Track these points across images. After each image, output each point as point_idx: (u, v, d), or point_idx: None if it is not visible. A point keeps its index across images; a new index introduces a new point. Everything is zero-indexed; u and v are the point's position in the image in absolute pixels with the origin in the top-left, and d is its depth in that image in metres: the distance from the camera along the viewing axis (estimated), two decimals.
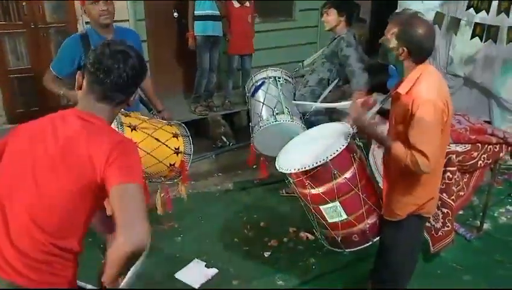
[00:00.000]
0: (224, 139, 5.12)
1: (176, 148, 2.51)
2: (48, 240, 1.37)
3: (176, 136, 2.55)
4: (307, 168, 2.12)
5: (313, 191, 2.20)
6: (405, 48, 1.93)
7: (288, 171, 2.21)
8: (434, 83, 1.96)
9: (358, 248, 2.32)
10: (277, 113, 3.13)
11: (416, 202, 2.11)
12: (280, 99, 3.20)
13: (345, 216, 2.22)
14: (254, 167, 4.52)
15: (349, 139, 2.15)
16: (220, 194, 4.18)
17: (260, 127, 3.14)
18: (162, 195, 2.77)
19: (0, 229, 1.38)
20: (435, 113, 1.88)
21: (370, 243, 2.30)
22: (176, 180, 2.69)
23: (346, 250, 2.36)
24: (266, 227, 3.57)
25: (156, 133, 2.44)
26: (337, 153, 2.08)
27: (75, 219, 1.42)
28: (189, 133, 2.66)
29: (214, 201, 4.03)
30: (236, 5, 5.14)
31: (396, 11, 2.04)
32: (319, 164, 2.09)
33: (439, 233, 2.97)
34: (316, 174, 2.14)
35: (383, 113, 2.52)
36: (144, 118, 2.53)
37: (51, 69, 2.61)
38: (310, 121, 3.24)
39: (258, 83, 3.38)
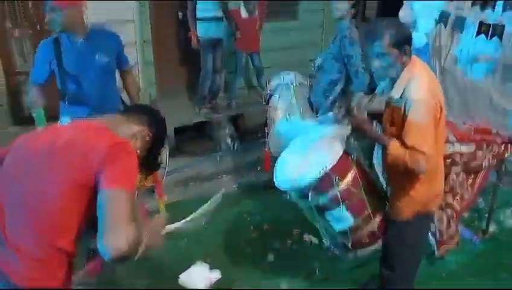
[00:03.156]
0: (229, 141, 5.12)
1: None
2: (41, 239, 1.38)
3: None
4: (307, 183, 2.09)
5: (316, 201, 2.17)
6: (399, 50, 1.94)
7: (288, 189, 2.18)
8: (424, 81, 1.97)
9: (369, 248, 2.31)
10: (289, 115, 3.16)
11: (423, 200, 2.13)
12: (293, 101, 3.25)
13: (352, 220, 2.19)
14: (259, 168, 4.54)
15: (344, 143, 2.13)
16: (224, 196, 4.16)
17: (273, 130, 3.18)
18: (162, 198, 2.72)
19: None
20: (427, 112, 1.90)
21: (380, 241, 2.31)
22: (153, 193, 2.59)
23: (358, 253, 2.35)
24: (270, 230, 3.56)
25: None
26: (336, 160, 2.06)
27: (69, 220, 1.42)
28: (166, 144, 2.57)
29: (218, 203, 4.01)
30: (244, 14, 5.19)
31: (370, 25, 2.04)
32: (318, 175, 2.05)
33: (444, 236, 2.95)
34: (317, 184, 2.10)
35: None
36: None
37: (29, 79, 2.63)
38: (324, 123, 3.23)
39: (272, 89, 3.45)
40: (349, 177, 2.14)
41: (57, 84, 2.61)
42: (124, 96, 2.97)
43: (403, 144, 1.94)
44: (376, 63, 1.97)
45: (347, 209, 2.16)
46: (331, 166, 2.05)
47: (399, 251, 2.24)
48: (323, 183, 2.09)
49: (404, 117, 1.93)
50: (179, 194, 4.15)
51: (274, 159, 3.39)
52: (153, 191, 2.50)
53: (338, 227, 2.23)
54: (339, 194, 2.12)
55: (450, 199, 2.96)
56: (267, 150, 3.33)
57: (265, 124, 3.50)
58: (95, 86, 2.62)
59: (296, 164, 2.27)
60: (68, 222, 1.42)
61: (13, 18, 4.50)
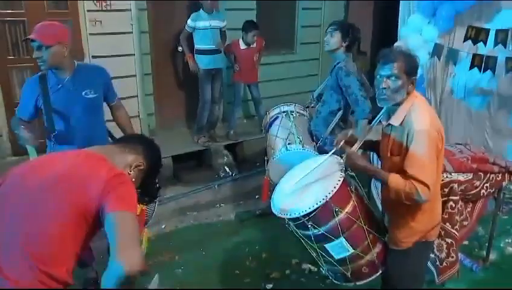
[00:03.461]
0: (227, 170, 5.13)
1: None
2: (38, 267, 1.37)
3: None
4: (308, 211, 2.04)
5: (316, 232, 2.13)
6: (407, 78, 2.01)
7: (288, 216, 2.12)
8: (425, 111, 2.02)
9: (370, 279, 2.27)
10: (289, 143, 3.19)
11: (422, 229, 2.15)
12: (292, 130, 3.28)
13: (351, 250, 2.17)
14: (257, 197, 4.53)
15: (343, 173, 2.13)
16: (222, 225, 4.15)
17: (273, 158, 3.19)
18: (145, 232, 2.64)
19: None
20: (429, 142, 1.93)
21: (380, 272, 2.27)
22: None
23: (357, 283, 2.30)
24: (268, 259, 3.52)
25: None
26: (335, 189, 2.04)
27: (67, 248, 1.43)
28: (157, 180, 2.54)
29: (216, 232, 3.99)
30: (243, 46, 5.30)
31: (386, 49, 2.12)
32: (319, 204, 2.03)
33: (444, 264, 2.91)
34: (317, 214, 2.07)
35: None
36: None
37: (16, 112, 2.63)
38: (323, 149, 3.25)
39: (272, 119, 3.51)
40: (349, 206, 2.13)
41: (43, 121, 2.58)
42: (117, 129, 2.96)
43: (403, 172, 1.95)
44: (385, 83, 2.00)
45: (346, 240, 2.14)
46: (331, 196, 2.03)
47: (400, 279, 2.23)
48: (323, 213, 2.07)
49: (405, 146, 1.97)
50: (177, 222, 4.12)
51: (273, 187, 3.41)
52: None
53: (337, 256, 2.21)
54: (338, 224, 2.10)
55: (449, 227, 2.94)
56: (266, 177, 3.34)
57: (265, 153, 3.52)
58: (82, 123, 2.60)
59: (295, 192, 2.26)
60: (65, 250, 1.42)
61: (15, 50, 4.57)
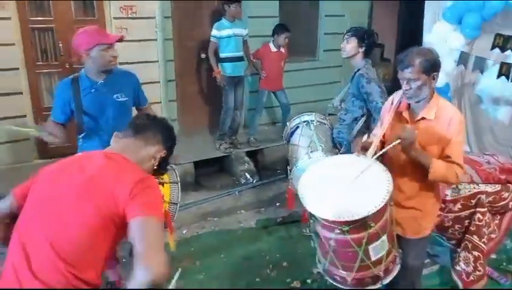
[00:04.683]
0: (248, 176, 5.13)
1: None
2: (68, 270, 1.39)
3: (161, 183, 2.37)
4: (375, 209, 1.94)
5: (372, 231, 2.04)
6: (429, 76, 2.14)
7: (353, 218, 1.95)
8: (450, 104, 2.34)
9: (395, 273, 2.24)
10: (311, 151, 3.18)
11: (437, 213, 2.47)
12: (314, 138, 3.27)
13: (387, 247, 2.14)
14: (278, 204, 4.51)
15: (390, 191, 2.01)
16: (243, 231, 4.15)
17: (296, 167, 3.17)
18: (172, 233, 2.68)
19: (22, 265, 1.40)
20: (463, 129, 2.27)
21: (399, 266, 2.27)
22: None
23: (386, 281, 2.22)
24: (289, 267, 3.49)
25: None
26: (391, 186, 2.01)
27: (96, 252, 1.44)
28: (179, 180, 2.51)
29: (236, 239, 3.99)
30: (273, 49, 5.39)
31: (402, 54, 2.19)
32: (381, 204, 1.94)
33: (471, 277, 2.84)
34: (376, 213, 1.98)
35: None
36: None
37: (51, 116, 2.69)
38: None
39: (293, 129, 3.50)
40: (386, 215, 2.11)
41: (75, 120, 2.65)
42: None
43: (443, 158, 2.17)
44: (407, 86, 2.16)
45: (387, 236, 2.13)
46: (379, 207, 1.95)
47: (419, 267, 2.48)
48: (381, 210, 1.99)
49: (443, 136, 2.16)
50: (197, 228, 4.14)
51: (297, 196, 3.38)
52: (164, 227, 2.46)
53: (375, 257, 2.13)
54: (386, 220, 2.09)
55: (476, 240, 2.87)
56: (290, 187, 3.32)
57: (287, 163, 3.50)
58: (112, 125, 2.61)
59: (329, 192, 2.13)
60: (94, 254, 1.44)
61: (43, 56, 4.70)
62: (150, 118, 1.78)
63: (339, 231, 2.03)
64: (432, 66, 2.13)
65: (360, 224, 1.99)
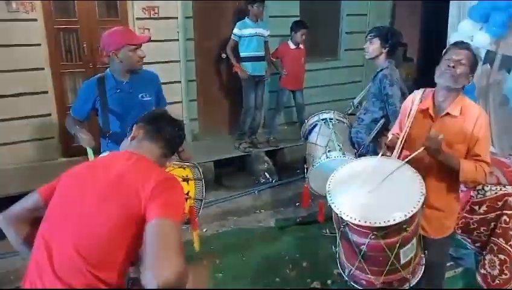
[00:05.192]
0: (267, 176, 5.13)
1: (184, 194, 2.30)
2: (90, 270, 1.38)
3: (186, 180, 2.42)
4: (392, 223, 1.86)
5: (406, 234, 1.97)
6: (471, 72, 2.17)
7: (394, 222, 1.88)
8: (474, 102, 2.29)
9: (420, 275, 2.18)
10: (329, 151, 3.14)
11: (458, 211, 2.47)
12: (332, 137, 3.23)
13: (415, 249, 2.10)
14: (297, 204, 4.49)
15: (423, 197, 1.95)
16: (262, 231, 4.14)
17: (313, 166, 3.15)
18: (197, 231, 2.70)
19: (45, 264, 1.41)
20: (488, 126, 2.25)
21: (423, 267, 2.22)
22: (186, 226, 2.53)
23: (413, 283, 2.17)
24: (309, 267, 3.47)
25: None
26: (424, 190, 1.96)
27: (118, 252, 1.42)
28: (202, 176, 2.53)
29: (256, 238, 3.99)
30: (292, 46, 5.40)
31: (459, 40, 2.32)
32: (418, 206, 1.90)
33: (496, 281, 2.77)
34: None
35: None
36: None
37: (71, 111, 2.74)
38: (363, 156, 3.18)
39: (311, 127, 3.47)
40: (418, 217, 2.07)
41: (98, 122, 2.69)
42: None
43: (471, 156, 2.16)
44: (455, 64, 2.14)
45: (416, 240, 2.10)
46: (416, 210, 1.90)
47: (441, 266, 2.47)
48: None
49: (470, 133, 2.14)
50: (218, 226, 4.16)
51: (313, 195, 3.37)
52: (187, 223, 2.48)
53: (404, 260, 2.06)
54: (416, 223, 2.05)
55: (502, 243, 2.79)
56: (306, 185, 3.29)
57: (305, 161, 3.48)
58: None
59: (369, 200, 2.03)
60: (116, 255, 1.42)
61: (68, 57, 4.80)
62: (160, 122, 1.75)
63: (373, 236, 1.95)
64: (475, 65, 2.21)
65: (396, 228, 1.93)
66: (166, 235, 1.31)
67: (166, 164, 1.74)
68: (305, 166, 3.37)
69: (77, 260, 1.38)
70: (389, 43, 3.07)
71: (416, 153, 2.11)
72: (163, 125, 1.72)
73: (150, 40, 2.64)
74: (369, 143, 3.18)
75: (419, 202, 1.91)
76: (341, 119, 3.49)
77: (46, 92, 4.67)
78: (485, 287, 2.79)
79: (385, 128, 3.20)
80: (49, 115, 4.73)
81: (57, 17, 4.60)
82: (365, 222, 1.89)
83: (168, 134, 1.70)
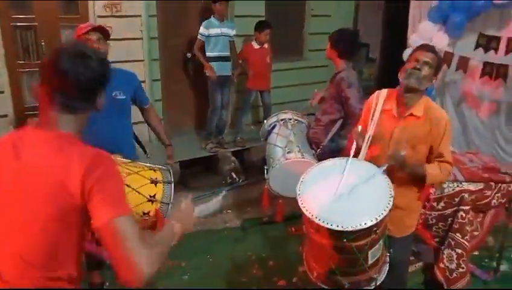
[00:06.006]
0: (234, 176, 5.11)
1: (150, 196, 2.25)
2: (41, 274, 1.32)
3: (154, 182, 2.30)
4: (363, 227, 1.87)
5: (375, 236, 1.99)
6: (435, 75, 2.22)
7: (364, 226, 1.87)
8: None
9: (386, 272, 2.21)
10: (288, 152, 3.13)
11: (420, 210, 2.54)
12: (291, 138, 3.23)
13: (382, 249, 2.13)
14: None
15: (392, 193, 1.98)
16: (229, 231, 4.13)
17: (272, 167, 3.15)
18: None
19: None
20: (451, 128, 2.30)
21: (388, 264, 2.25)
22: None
23: (380, 281, 2.20)
24: (275, 266, 3.49)
25: (128, 178, 2.18)
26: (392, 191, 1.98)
27: (64, 249, 1.33)
28: (172, 180, 2.41)
29: (222, 239, 3.97)
30: (256, 46, 5.40)
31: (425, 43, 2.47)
32: (389, 207, 1.92)
33: (454, 274, 2.87)
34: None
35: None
36: (122, 161, 2.33)
37: None
38: (322, 157, 3.21)
39: (270, 127, 3.45)
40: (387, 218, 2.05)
41: None
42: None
43: (435, 157, 2.23)
44: (421, 66, 2.17)
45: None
46: (386, 213, 1.91)
47: (405, 264, 2.55)
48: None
49: (434, 133, 2.19)
50: None
51: (273, 196, 3.36)
52: (152, 228, 2.40)
53: (372, 260, 2.09)
54: (385, 224, 2.05)
55: (459, 238, 2.90)
56: (266, 186, 3.28)
57: (265, 162, 3.46)
58: (109, 124, 2.58)
59: (338, 203, 2.03)
60: (63, 251, 1.33)
61: (26, 55, 4.61)
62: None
63: (344, 240, 1.95)
64: (440, 68, 2.27)
65: (366, 231, 1.93)
66: (124, 235, 1.22)
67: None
68: (265, 167, 3.36)
69: (25, 268, 1.30)
70: (340, 46, 3.12)
71: (383, 168, 2.08)
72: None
73: (108, 33, 2.60)
74: (327, 144, 3.22)
75: (389, 205, 1.92)
76: (300, 119, 3.47)
77: (2, 92, 4.47)
78: (443, 281, 2.88)
79: (342, 129, 3.25)
80: (6, 116, 4.53)
81: (13, 14, 4.41)
82: (337, 226, 1.89)
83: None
